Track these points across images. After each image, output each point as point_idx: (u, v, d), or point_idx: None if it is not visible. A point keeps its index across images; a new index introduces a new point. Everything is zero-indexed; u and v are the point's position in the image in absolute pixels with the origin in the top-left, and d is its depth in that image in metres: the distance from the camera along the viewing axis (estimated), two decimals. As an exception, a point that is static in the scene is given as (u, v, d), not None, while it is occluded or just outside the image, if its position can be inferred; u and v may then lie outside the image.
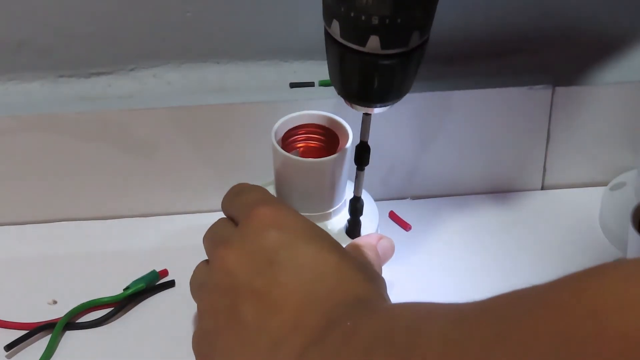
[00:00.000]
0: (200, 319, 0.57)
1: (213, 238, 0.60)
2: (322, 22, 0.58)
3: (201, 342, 0.57)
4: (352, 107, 0.61)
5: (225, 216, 0.61)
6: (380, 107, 0.60)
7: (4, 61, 0.71)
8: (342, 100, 0.61)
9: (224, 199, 0.62)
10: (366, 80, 0.58)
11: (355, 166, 0.64)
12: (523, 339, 0.38)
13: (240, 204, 0.60)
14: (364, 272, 0.56)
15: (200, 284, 0.59)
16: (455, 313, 0.44)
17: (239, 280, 0.55)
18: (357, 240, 0.64)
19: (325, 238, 0.57)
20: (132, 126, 0.70)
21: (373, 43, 0.56)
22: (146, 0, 0.69)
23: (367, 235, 0.66)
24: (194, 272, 0.60)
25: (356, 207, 0.66)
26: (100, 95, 0.72)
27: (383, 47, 0.56)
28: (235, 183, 0.62)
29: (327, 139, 0.66)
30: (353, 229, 0.66)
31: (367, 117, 0.62)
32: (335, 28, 0.56)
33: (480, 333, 0.41)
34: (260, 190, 0.61)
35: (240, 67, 0.73)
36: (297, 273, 0.54)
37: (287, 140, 0.66)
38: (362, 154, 0.63)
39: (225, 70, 0.73)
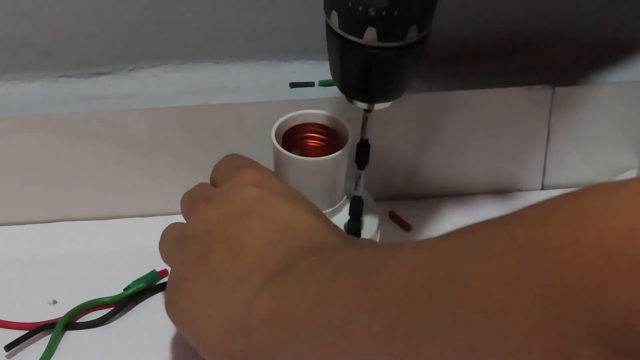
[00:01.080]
0: (172, 269, 0.58)
1: (193, 196, 0.60)
2: (322, 22, 0.58)
3: (170, 289, 0.57)
4: (352, 104, 0.61)
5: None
6: (379, 103, 0.60)
7: (4, 61, 0.71)
8: (342, 99, 0.61)
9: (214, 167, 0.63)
10: (363, 74, 0.58)
11: (356, 165, 0.64)
12: (498, 247, 0.38)
13: (224, 167, 0.61)
14: (338, 232, 0.57)
15: (175, 239, 0.59)
16: (427, 239, 0.44)
17: (213, 229, 0.56)
18: None
19: (305, 202, 0.58)
20: (132, 126, 0.70)
21: (370, 35, 0.56)
22: (146, 0, 0.69)
23: None
24: (167, 231, 0.61)
25: (356, 207, 0.66)
26: (100, 95, 0.72)
27: (380, 39, 0.56)
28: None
29: (328, 138, 0.66)
30: (353, 230, 0.66)
31: (367, 114, 0.62)
32: (334, 19, 0.57)
33: (453, 246, 0.41)
34: (247, 158, 0.62)
35: (240, 67, 0.73)
36: (268, 223, 0.55)
37: (288, 139, 0.66)
38: (363, 153, 0.63)
39: (225, 70, 0.73)
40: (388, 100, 0.60)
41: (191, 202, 0.60)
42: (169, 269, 0.59)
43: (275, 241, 0.54)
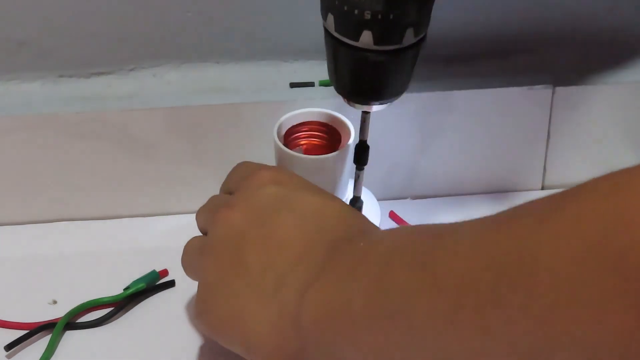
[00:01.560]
0: (203, 276, 0.56)
1: (212, 206, 0.59)
2: (321, 21, 0.58)
3: (203, 299, 0.56)
4: (350, 105, 0.61)
5: None
6: (377, 105, 0.60)
7: (4, 61, 0.71)
8: (342, 100, 0.61)
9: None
10: (360, 76, 0.58)
11: (355, 166, 0.64)
12: (567, 221, 0.37)
13: (239, 174, 0.60)
14: (368, 220, 0.56)
15: (199, 247, 0.58)
16: (481, 217, 0.43)
17: (243, 231, 0.55)
18: None
19: (326, 191, 0.57)
20: (132, 126, 0.70)
21: (366, 38, 0.56)
22: (146, 0, 0.69)
23: None
24: (189, 243, 0.60)
25: (355, 207, 0.66)
26: (100, 95, 0.72)
27: (376, 42, 0.56)
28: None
29: (330, 136, 0.66)
30: None
31: (365, 115, 0.62)
32: (330, 22, 0.57)
33: (517, 223, 0.40)
34: (257, 163, 0.61)
35: (240, 67, 0.73)
36: (300, 216, 0.54)
37: (290, 138, 0.66)
38: (362, 153, 0.63)
39: (225, 70, 0.73)
40: (385, 102, 0.60)
41: (210, 211, 0.59)
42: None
43: (314, 233, 0.53)
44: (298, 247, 0.53)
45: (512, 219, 0.41)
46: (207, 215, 0.59)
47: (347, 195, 0.67)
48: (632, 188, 0.36)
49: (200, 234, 0.61)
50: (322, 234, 0.53)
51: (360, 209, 0.66)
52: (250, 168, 0.60)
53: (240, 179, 0.59)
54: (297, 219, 0.54)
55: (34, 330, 0.64)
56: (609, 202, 0.36)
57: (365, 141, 0.63)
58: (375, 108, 0.60)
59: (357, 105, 0.60)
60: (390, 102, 0.60)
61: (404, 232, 0.50)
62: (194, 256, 0.59)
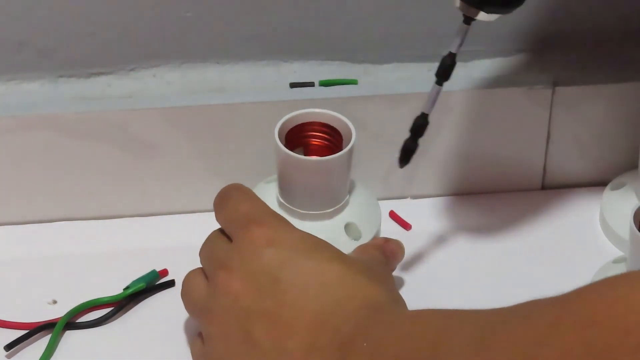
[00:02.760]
0: (210, 346, 0.57)
1: (211, 256, 0.60)
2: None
3: None
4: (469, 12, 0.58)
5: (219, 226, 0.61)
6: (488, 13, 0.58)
7: (4, 61, 0.71)
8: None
9: (214, 204, 0.62)
10: None
11: (437, 79, 0.61)
12: (554, 356, 0.38)
13: (229, 217, 0.60)
14: (369, 274, 0.57)
15: (202, 306, 0.59)
16: (478, 327, 0.44)
17: (246, 303, 0.55)
18: (364, 244, 0.65)
19: (325, 248, 0.58)
20: (132, 126, 0.70)
21: None
22: (146, 0, 0.69)
23: (374, 238, 0.66)
24: (190, 287, 0.60)
25: (420, 125, 0.62)
26: (100, 95, 0.72)
27: None
28: (235, 183, 0.62)
29: (331, 137, 0.66)
30: (405, 153, 0.63)
31: (466, 26, 0.59)
32: None
33: (508, 351, 0.40)
34: (247, 198, 0.60)
35: (240, 67, 0.73)
36: (302, 290, 0.55)
37: (291, 138, 0.65)
38: (449, 68, 0.60)
39: (225, 70, 0.73)
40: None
41: (209, 263, 0.59)
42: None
43: (319, 311, 0.54)
44: (305, 332, 0.53)
45: (500, 349, 0.41)
46: (207, 262, 0.60)
47: (348, 196, 0.67)
48: (602, 327, 0.37)
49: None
50: (327, 317, 0.53)
51: (423, 129, 0.62)
52: (243, 211, 0.59)
53: (234, 224, 0.59)
54: (298, 295, 0.55)
55: (34, 330, 0.64)
56: (583, 349, 0.37)
57: (455, 56, 0.60)
58: (480, 17, 0.58)
59: (482, 14, 0.58)
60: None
61: (405, 333, 0.50)
62: (197, 307, 0.59)
